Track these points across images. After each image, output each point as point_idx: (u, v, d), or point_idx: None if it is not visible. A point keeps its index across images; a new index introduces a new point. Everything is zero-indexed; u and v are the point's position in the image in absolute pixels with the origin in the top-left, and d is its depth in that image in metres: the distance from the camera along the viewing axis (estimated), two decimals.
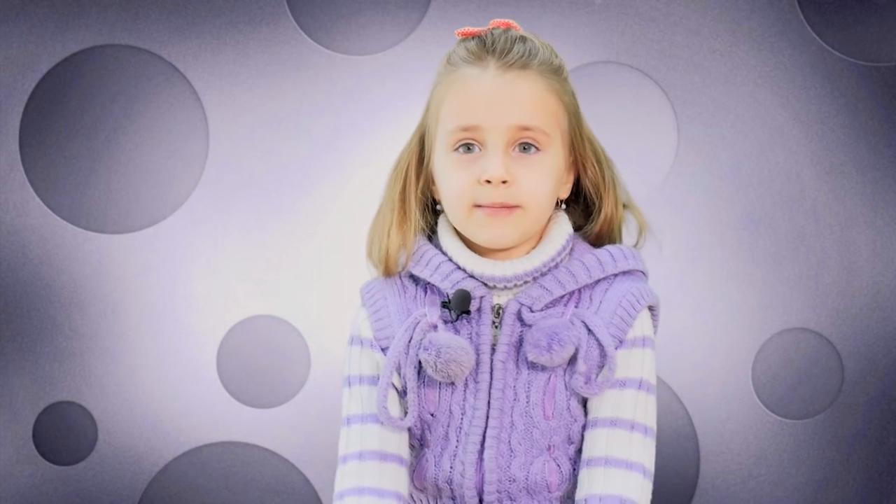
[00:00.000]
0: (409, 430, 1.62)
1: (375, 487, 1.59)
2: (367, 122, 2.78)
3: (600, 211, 1.64)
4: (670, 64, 2.77)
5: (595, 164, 1.63)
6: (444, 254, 1.62)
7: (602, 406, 1.59)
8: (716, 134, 2.77)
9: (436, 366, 1.56)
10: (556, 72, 1.60)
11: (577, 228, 1.67)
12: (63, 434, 2.78)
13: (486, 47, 1.59)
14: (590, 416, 1.59)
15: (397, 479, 1.61)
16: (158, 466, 2.78)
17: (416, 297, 1.62)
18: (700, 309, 2.77)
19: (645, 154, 2.77)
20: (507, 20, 1.65)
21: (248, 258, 2.80)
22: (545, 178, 1.57)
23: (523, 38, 1.61)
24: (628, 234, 1.68)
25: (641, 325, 1.60)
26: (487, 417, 1.58)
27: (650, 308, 1.62)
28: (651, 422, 1.59)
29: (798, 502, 2.77)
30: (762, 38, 2.77)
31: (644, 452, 1.58)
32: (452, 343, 1.56)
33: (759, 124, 2.77)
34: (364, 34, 2.78)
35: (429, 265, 1.61)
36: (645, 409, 1.59)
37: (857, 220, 2.77)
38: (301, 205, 2.79)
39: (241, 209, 2.79)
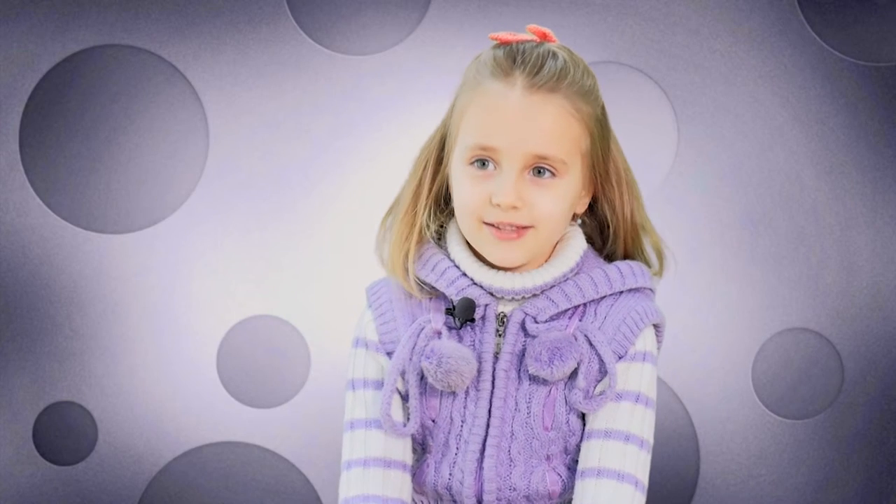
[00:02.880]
0: (412, 435, 1.61)
1: (380, 495, 1.58)
2: (367, 122, 2.78)
3: (617, 233, 1.63)
4: (670, 64, 2.77)
5: (614, 186, 1.61)
6: (451, 260, 1.61)
7: (598, 418, 1.57)
8: (716, 134, 2.77)
9: (436, 375, 1.55)
10: (585, 94, 1.56)
11: (589, 240, 1.66)
12: (63, 434, 2.78)
13: (516, 62, 1.55)
14: (586, 428, 1.58)
15: (401, 485, 1.60)
16: (158, 466, 2.78)
17: (421, 301, 1.61)
18: (700, 309, 2.77)
19: (645, 154, 2.76)
20: (544, 30, 1.60)
21: (248, 258, 2.80)
22: (558, 202, 1.55)
23: (555, 55, 1.56)
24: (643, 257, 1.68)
25: (644, 341, 1.59)
26: (488, 426, 1.57)
27: (655, 326, 1.61)
28: (647, 435, 1.58)
29: (798, 502, 2.77)
30: (762, 38, 2.77)
31: (638, 465, 1.56)
32: (454, 353, 1.55)
33: (759, 124, 2.77)
34: (364, 34, 2.78)
35: (434, 270, 1.60)
36: (641, 422, 1.57)
37: (857, 220, 2.77)
38: (301, 205, 2.79)
39: (241, 209, 2.79)
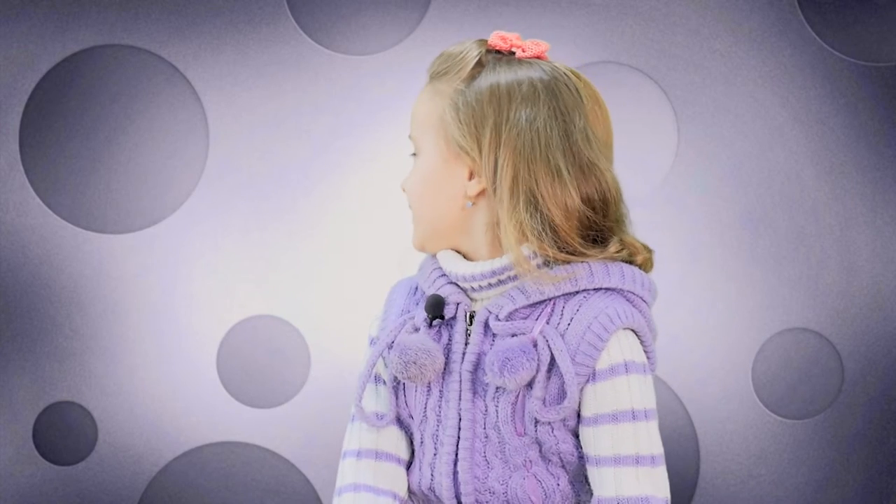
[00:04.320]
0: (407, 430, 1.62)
1: (371, 485, 1.59)
2: (367, 122, 2.78)
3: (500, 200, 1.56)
4: (670, 64, 2.77)
5: (501, 176, 1.54)
6: (437, 260, 1.62)
7: (600, 443, 1.53)
8: (716, 134, 2.77)
9: (396, 366, 1.55)
10: (456, 76, 1.58)
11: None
12: (63, 434, 2.78)
13: None
14: (591, 453, 1.54)
15: (393, 478, 1.60)
16: (158, 466, 2.78)
17: (419, 299, 1.62)
18: (700, 309, 2.77)
19: (645, 154, 2.77)
20: (503, 34, 1.62)
21: (248, 258, 2.80)
22: (416, 179, 1.59)
23: (456, 46, 1.61)
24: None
25: (621, 349, 1.53)
26: (459, 428, 1.57)
27: (636, 332, 1.55)
28: (655, 449, 1.53)
29: (798, 502, 2.77)
30: (762, 38, 2.77)
31: (655, 483, 1.52)
32: (415, 345, 1.54)
33: (759, 124, 2.77)
34: (364, 34, 2.78)
35: (424, 271, 1.62)
36: (647, 439, 1.52)
37: (857, 220, 2.78)
38: (301, 205, 2.79)
39: (241, 209, 2.79)
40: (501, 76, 1.57)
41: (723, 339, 2.78)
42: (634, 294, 1.56)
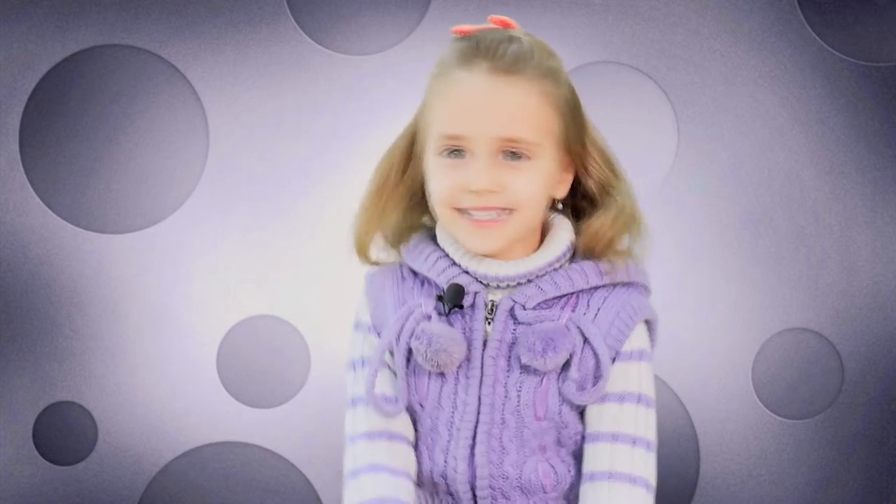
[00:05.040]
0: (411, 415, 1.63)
1: (388, 465, 1.59)
2: (367, 122, 2.78)
3: (610, 207, 1.60)
4: (670, 64, 2.77)
5: (600, 163, 1.60)
6: (442, 249, 1.62)
7: (602, 420, 1.58)
8: (716, 134, 2.77)
9: (426, 354, 1.56)
10: (550, 74, 1.55)
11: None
12: (63, 434, 2.78)
13: (478, 48, 1.57)
14: (590, 430, 1.59)
15: (406, 458, 1.61)
16: (158, 466, 2.78)
17: (412, 288, 1.62)
18: (700, 309, 2.77)
19: (645, 154, 2.77)
20: (505, 18, 1.63)
21: (248, 258, 2.80)
22: (534, 183, 1.55)
23: (518, 39, 1.57)
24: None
25: (637, 338, 1.59)
26: (478, 413, 1.58)
27: (648, 323, 1.61)
28: (652, 436, 1.59)
29: (798, 502, 2.77)
30: (762, 38, 2.77)
31: (647, 467, 1.57)
32: (444, 333, 1.56)
33: (759, 124, 2.77)
34: (364, 34, 2.78)
35: (427, 260, 1.62)
36: (646, 424, 1.58)
37: (857, 220, 2.78)
38: (301, 205, 2.80)
39: (241, 209, 2.80)
40: (562, 75, 1.58)
41: (723, 339, 2.78)
42: (644, 287, 1.63)
